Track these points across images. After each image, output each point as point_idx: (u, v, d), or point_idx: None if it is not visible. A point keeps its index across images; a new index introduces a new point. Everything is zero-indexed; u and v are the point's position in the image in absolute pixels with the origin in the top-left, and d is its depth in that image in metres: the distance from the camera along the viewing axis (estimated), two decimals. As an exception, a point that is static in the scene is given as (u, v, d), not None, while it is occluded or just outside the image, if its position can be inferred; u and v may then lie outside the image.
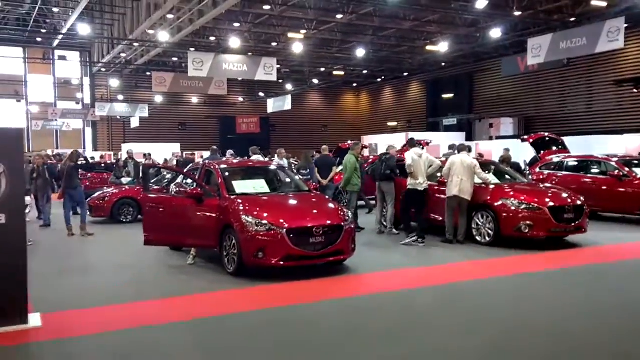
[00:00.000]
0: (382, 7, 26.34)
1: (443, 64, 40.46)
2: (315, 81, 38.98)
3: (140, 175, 9.61)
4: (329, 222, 7.83)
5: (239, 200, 8.07)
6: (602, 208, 13.33)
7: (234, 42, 24.74)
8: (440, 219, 10.96)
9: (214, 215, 8.11)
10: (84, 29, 29.05)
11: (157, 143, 35.07)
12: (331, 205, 8.56)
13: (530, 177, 13.12)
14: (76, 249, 10.85)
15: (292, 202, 8.56)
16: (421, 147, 19.74)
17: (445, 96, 40.48)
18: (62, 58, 39.08)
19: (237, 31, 31.43)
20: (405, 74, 43.12)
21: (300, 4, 27.58)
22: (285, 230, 7.47)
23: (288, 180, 9.59)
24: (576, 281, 7.89)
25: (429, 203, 11.01)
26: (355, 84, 47.59)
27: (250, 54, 28.07)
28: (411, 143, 11.69)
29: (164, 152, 26.74)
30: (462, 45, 33.17)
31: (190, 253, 8.72)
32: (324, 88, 46.26)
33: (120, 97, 38.58)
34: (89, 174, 20.81)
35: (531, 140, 15.73)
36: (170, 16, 26.53)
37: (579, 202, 10.34)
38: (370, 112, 47.99)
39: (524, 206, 9.99)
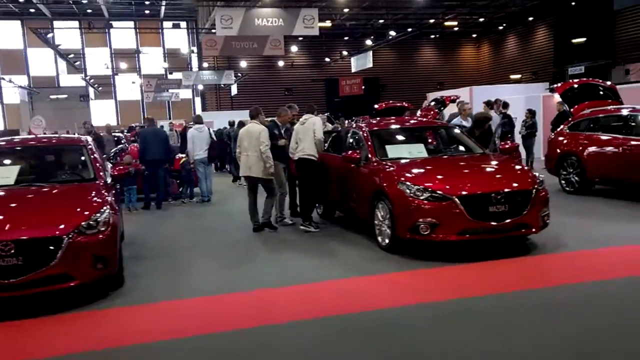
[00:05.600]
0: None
1: (573, 3, 34.25)
2: (393, 33, 34.77)
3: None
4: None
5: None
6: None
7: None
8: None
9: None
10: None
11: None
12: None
13: (498, 145, 8.84)
14: None
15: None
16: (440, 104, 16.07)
17: (575, 41, 34.18)
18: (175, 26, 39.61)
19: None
20: (530, 18, 37.34)
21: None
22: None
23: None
24: (501, 319, 4.54)
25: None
26: (474, 35, 42.42)
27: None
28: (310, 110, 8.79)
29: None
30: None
31: None
32: (438, 41, 41.91)
33: (205, 65, 38.00)
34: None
35: (560, 92, 11.35)
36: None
37: (529, 186, 6.68)
38: (491, 64, 42.54)
39: (425, 194, 6.63)
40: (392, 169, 7.19)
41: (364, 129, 8.29)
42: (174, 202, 12.29)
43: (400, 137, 8.47)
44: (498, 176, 6.98)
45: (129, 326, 5.14)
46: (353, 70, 32.57)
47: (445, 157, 7.83)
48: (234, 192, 14.06)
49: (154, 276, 6.62)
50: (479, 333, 4.48)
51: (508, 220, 6.47)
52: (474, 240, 6.58)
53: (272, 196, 8.82)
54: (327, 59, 40.52)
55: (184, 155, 12.40)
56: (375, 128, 8.45)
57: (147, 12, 39.72)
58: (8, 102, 40.47)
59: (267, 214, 8.82)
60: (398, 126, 8.85)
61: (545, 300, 5.16)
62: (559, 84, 11.68)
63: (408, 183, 6.73)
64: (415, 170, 7.08)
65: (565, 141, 10.71)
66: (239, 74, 36.41)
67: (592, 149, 10.02)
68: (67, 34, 39.21)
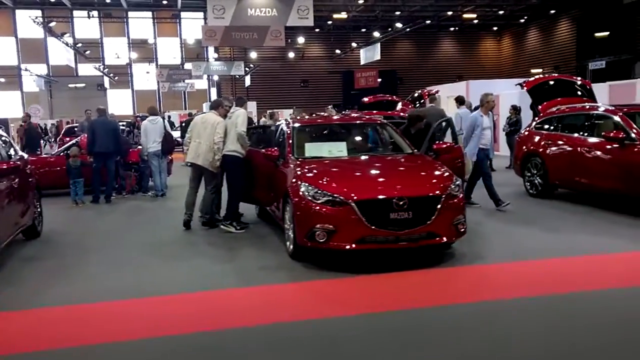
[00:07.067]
0: None
1: (597, -6, 32.94)
2: (399, 25, 33.94)
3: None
4: None
5: None
6: (600, 189, 8.57)
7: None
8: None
9: None
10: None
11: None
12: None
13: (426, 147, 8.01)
14: None
15: None
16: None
17: (598, 35, 32.86)
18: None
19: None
20: (552, 11, 36.07)
21: None
22: None
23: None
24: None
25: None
26: (495, 27, 41.22)
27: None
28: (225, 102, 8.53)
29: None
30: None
31: None
32: (458, 34, 40.88)
33: (215, 55, 37.76)
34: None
35: (529, 88, 10.58)
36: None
37: (437, 192, 6.08)
38: (512, 58, 41.34)
39: (324, 198, 6.10)
40: (299, 169, 6.68)
41: (289, 125, 7.79)
42: (128, 196, 11.99)
43: (325, 135, 7.94)
44: (406, 180, 6.37)
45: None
46: (362, 62, 31.96)
47: (363, 157, 7.26)
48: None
49: (32, 280, 6.12)
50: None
51: (412, 229, 5.91)
52: (382, 249, 6.04)
53: (212, 191, 8.44)
54: (338, 51, 39.93)
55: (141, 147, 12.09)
56: (302, 124, 7.94)
57: (164, 2, 39.71)
58: (27, 90, 41.05)
59: (207, 213, 8.46)
60: (326, 123, 8.33)
61: (418, 321, 4.62)
62: (529, 79, 10.92)
63: (309, 185, 6.21)
64: (321, 172, 6.54)
65: (530, 140, 10.00)
66: (251, 65, 36.09)
67: (552, 149, 9.31)
68: (86, 23, 39.47)
